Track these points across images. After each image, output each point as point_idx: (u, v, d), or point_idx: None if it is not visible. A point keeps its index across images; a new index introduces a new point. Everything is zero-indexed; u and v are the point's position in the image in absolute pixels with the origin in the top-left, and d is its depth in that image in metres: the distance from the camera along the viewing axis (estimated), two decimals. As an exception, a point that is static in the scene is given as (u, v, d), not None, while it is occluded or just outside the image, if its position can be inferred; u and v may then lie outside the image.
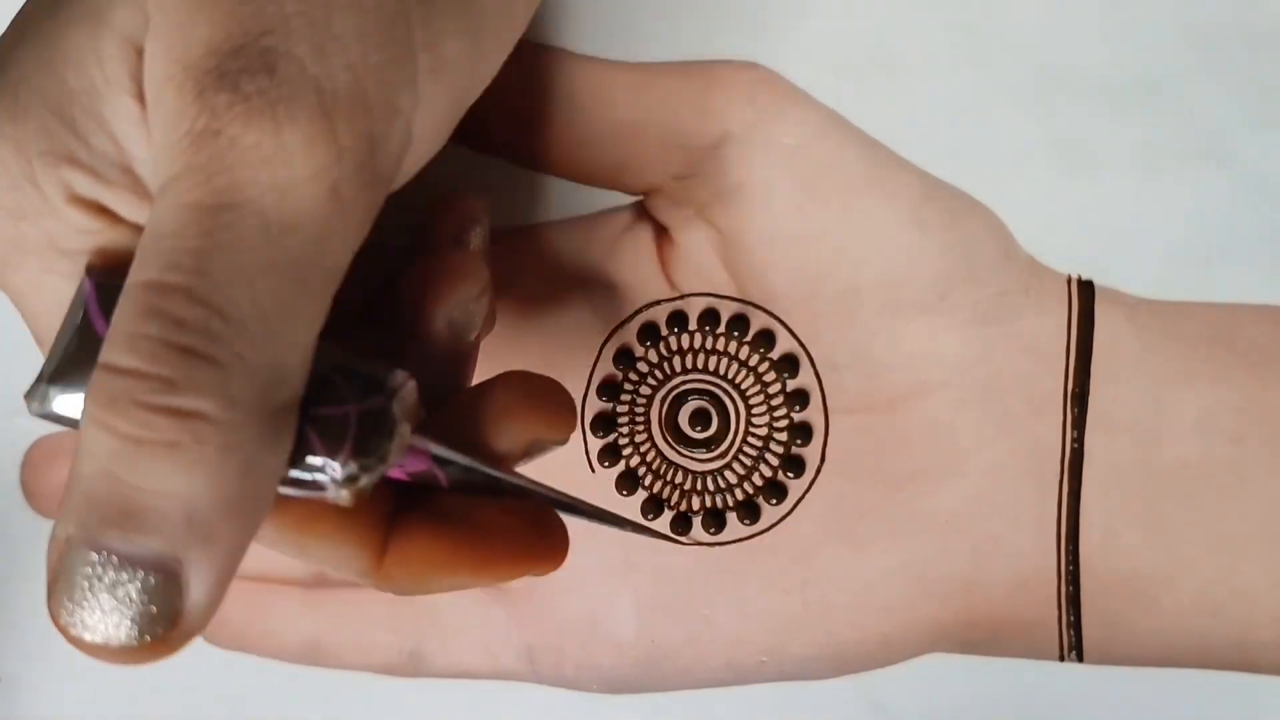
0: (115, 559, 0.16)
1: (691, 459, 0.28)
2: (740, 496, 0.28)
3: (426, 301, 0.21)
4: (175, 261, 0.16)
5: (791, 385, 0.28)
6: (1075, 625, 0.27)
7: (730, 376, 0.28)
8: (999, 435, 0.27)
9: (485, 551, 0.20)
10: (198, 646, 0.29)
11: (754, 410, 0.28)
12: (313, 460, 0.17)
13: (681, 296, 0.28)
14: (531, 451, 0.21)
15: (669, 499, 0.28)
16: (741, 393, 0.28)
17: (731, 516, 0.28)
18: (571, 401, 0.22)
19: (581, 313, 0.28)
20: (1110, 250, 0.27)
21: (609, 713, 0.29)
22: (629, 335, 0.28)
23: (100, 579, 0.16)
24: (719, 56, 0.26)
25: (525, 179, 0.28)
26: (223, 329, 0.16)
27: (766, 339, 0.27)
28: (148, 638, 0.16)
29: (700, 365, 0.28)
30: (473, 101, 0.20)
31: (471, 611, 0.29)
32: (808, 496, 0.28)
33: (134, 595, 0.16)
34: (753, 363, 0.28)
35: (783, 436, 0.28)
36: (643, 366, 0.28)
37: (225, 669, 0.29)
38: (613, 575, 0.28)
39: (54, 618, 0.16)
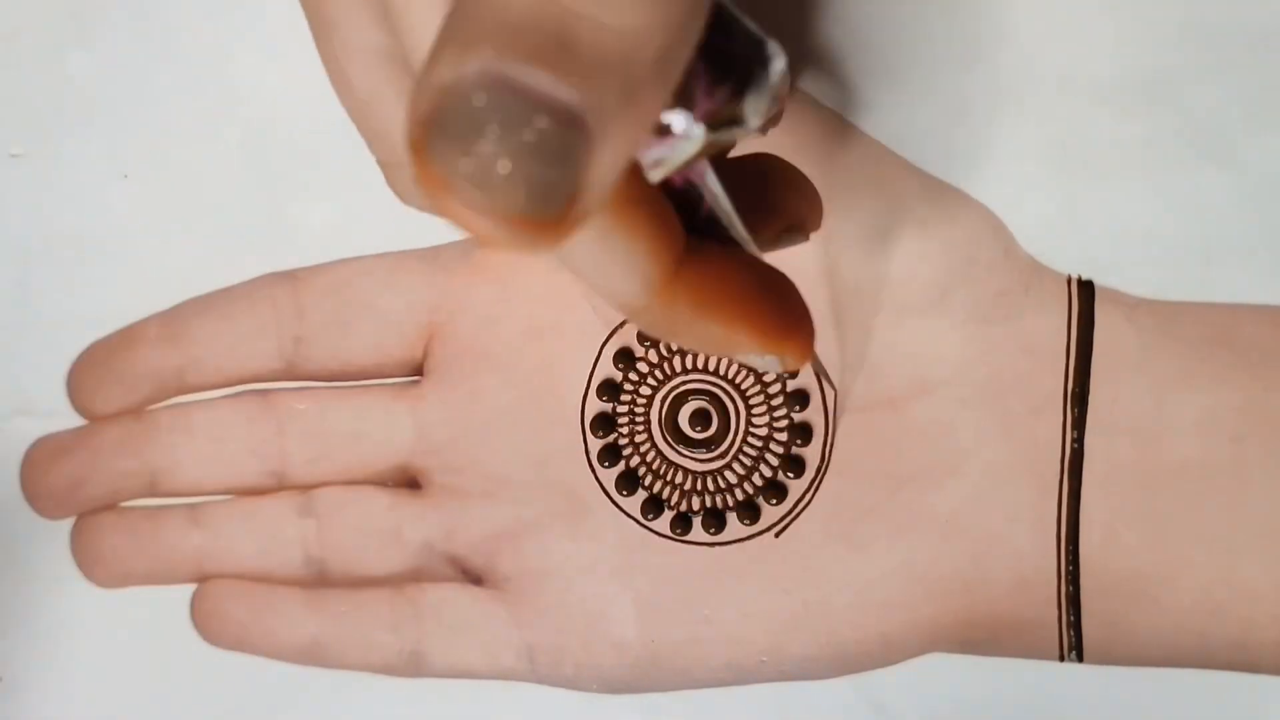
0: (534, 102, 0.13)
1: (691, 459, 0.28)
2: (740, 497, 0.28)
3: (766, 214, 0.20)
4: None
5: (791, 385, 0.28)
6: (1075, 625, 0.27)
7: (730, 376, 0.28)
8: (999, 435, 0.27)
9: (764, 307, 0.18)
10: (198, 647, 0.29)
11: (754, 410, 0.28)
12: (695, 88, 0.15)
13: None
14: (780, 239, 0.20)
15: (669, 499, 0.28)
16: (741, 393, 0.28)
17: (731, 516, 0.28)
18: (820, 202, 0.21)
19: (581, 313, 0.28)
20: (1110, 250, 0.27)
21: (609, 713, 0.29)
22: (629, 335, 0.28)
23: (509, 126, 0.13)
24: (719, 56, 0.26)
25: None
26: None
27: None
28: (546, 206, 0.13)
29: (700, 365, 0.28)
30: None
31: (471, 611, 0.29)
32: (808, 496, 0.28)
33: (545, 151, 0.13)
34: (753, 363, 0.28)
35: (783, 436, 0.28)
36: (643, 366, 0.28)
37: (225, 669, 0.29)
38: (613, 575, 0.28)
39: (424, 165, 0.13)
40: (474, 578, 0.29)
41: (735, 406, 0.28)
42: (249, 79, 0.29)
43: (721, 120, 0.16)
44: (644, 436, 0.28)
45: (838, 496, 0.28)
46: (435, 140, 0.13)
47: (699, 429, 0.28)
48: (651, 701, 0.28)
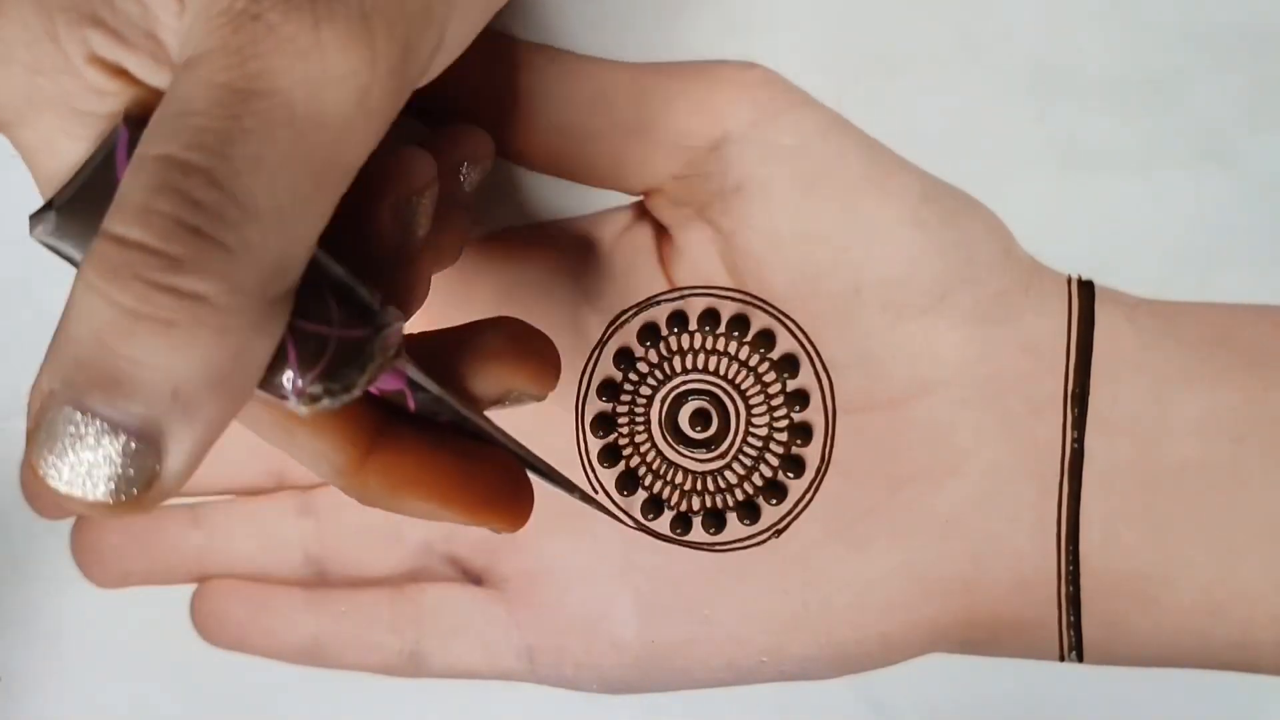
0: (97, 421, 0.16)
1: (691, 459, 0.28)
2: (740, 497, 0.28)
3: (372, 193, 0.20)
4: (198, 141, 0.16)
5: (791, 385, 0.28)
6: (1075, 625, 0.27)
7: (730, 376, 0.28)
8: (999, 435, 0.27)
9: (460, 484, 0.20)
10: (198, 647, 0.29)
11: (754, 410, 0.28)
12: (283, 371, 0.17)
13: (682, 296, 0.28)
14: (506, 400, 0.21)
15: (669, 499, 0.28)
16: (741, 393, 0.28)
17: (731, 516, 0.28)
18: (557, 358, 0.22)
19: (582, 313, 0.28)
20: (1110, 250, 0.27)
21: (609, 713, 0.29)
22: (629, 335, 0.28)
23: (81, 436, 0.16)
24: (719, 56, 0.26)
25: (525, 179, 0.28)
26: (237, 216, 0.16)
27: (766, 339, 0.27)
28: (122, 497, 0.16)
29: (700, 365, 0.28)
30: (499, 8, 0.20)
31: (471, 611, 0.29)
32: (808, 496, 0.28)
33: (114, 456, 0.16)
34: (753, 363, 0.28)
35: (783, 436, 0.28)
36: (643, 366, 0.28)
37: (225, 669, 0.29)
38: (613, 575, 0.28)
39: (33, 466, 0.16)
40: (474, 578, 0.29)
41: (735, 406, 0.28)
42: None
43: (334, 390, 0.18)
44: (644, 436, 0.28)
45: (838, 496, 0.28)
46: (37, 440, 0.16)
47: (699, 429, 0.28)
48: (651, 701, 0.28)
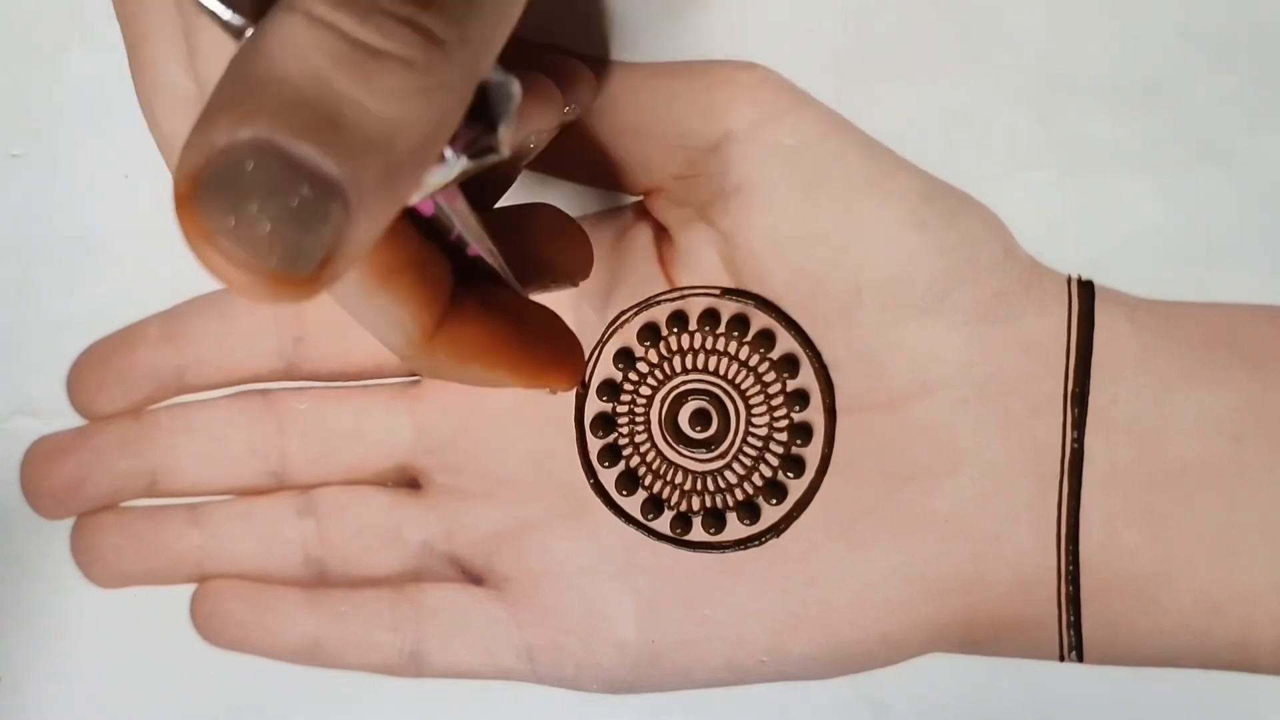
0: (300, 172, 0.14)
1: (691, 459, 0.28)
2: (740, 496, 0.28)
3: (534, 262, 0.21)
4: None
5: (791, 385, 0.28)
6: (1075, 625, 0.27)
7: (730, 376, 0.28)
8: (999, 435, 0.27)
9: (524, 350, 0.20)
10: (198, 647, 0.29)
11: (754, 410, 0.28)
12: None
13: (682, 296, 0.28)
14: (550, 284, 0.22)
15: (669, 499, 0.28)
16: (741, 393, 0.28)
17: (731, 516, 0.28)
18: (592, 249, 0.22)
19: (582, 313, 0.28)
20: (1110, 250, 0.27)
21: (609, 713, 0.29)
22: (629, 335, 0.28)
23: (274, 191, 0.14)
24: (719, 56, 0.26)
25: (525, 179, 0.28)
26: None
27: (766, 339, 0.27)
28: (299, 266, 0.14)
29: (700, 365, 0.28)
30: None
31: (471, 611, 0.29)
32: (809, 496, 0.28)
33: (305, 217, 0.14)
34: (753, 363, 0.28)
35: (783, 436, 0.28)
36: (643, 366, 0.28)
37: (225, 669, 0.29)
38: (613, 575, 0.28)
39: (192, 217, 0.14)
40: (474, 578, 0.29)
41: (735, 406, 0.28)
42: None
43: (478, 150, 0.17)
44: (644, 436, 0.28)
45: (838, 496, 0.28)
46: (203, 195, 0.14)
47: (699, 429, 0.28)
48: (651, 701, 0.28)
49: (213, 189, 0.14)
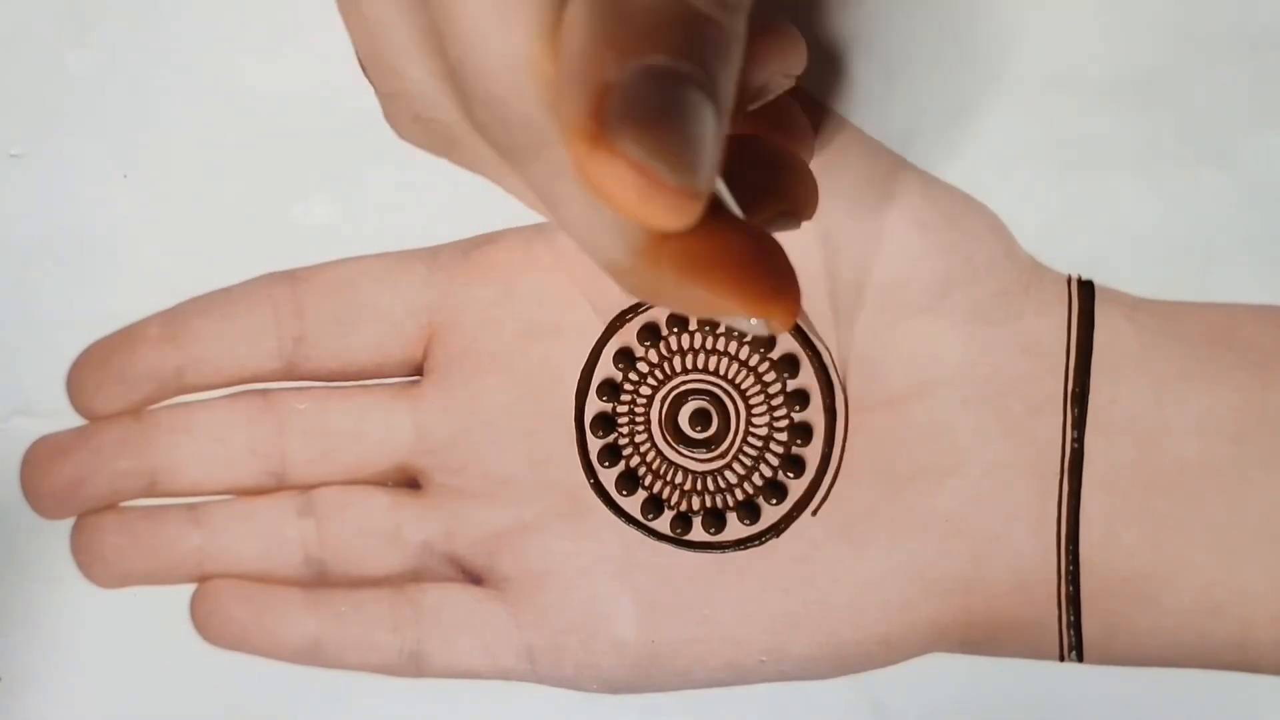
0: (686, 85, 0.15)
1: (691, 459, 0.28)
2: (740, 496, 0.28)
3: (757, 53, 0.20)
4: None
5: (791, 385, 0.28)
6: (1075, 625, 0.27)
7: (730, 376, 0.28)
8: (999, 435, 0.27)
9: (751, 270, 0.18)
10: (198, 647, 0.29)
11: (754, 410, 0.28)
12: None
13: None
14: (775, 220, 0.21)
15: (669, 499, 0.28)
16: (741, 393, 0.28)
17: (731, 516, 0.28)
18: (800, 36, 0.22)
19: (581, 313, 0.28)
20: (1110, 250, 0.27)
21: (609, 713, 0.29)
22: (629, 335, 0.28)
23: (670, 106, 0.15)
24: (719, 56, 0.26)
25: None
26: None
27: (766, 339, 0.27)
28: (702, 177, 0.15)
29: (700, 365, 0.28)
30: None
31: (472, 611, 0.29)
32: (816, 499, 0.28)
33: (698, 126, 0.15)
34: (753, 363, 0.28)
35: (783, 436, 0.28)
36: (643, 366, 0.28)
37: (225, 669, 0.29)
38: (613, 575, 0.28)
39: (607, 148, 0.15)
40: (474, 578, 0.29)
41: (735, 406, 0.28)
42: (249, 79, 0.29)
43: None
44: (644, 436, 0.28)
45: (838, 496, 0.28)
46: (616, 126, 0.14)
47: (699, 429, 0.28)
48: (651, 701, 0.28)
49: (623, 119, 0.14)
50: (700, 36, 0.15)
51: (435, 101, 0.19)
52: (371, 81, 0.20)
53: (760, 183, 0.21)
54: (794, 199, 0.21)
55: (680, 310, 0.19)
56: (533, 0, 0.16)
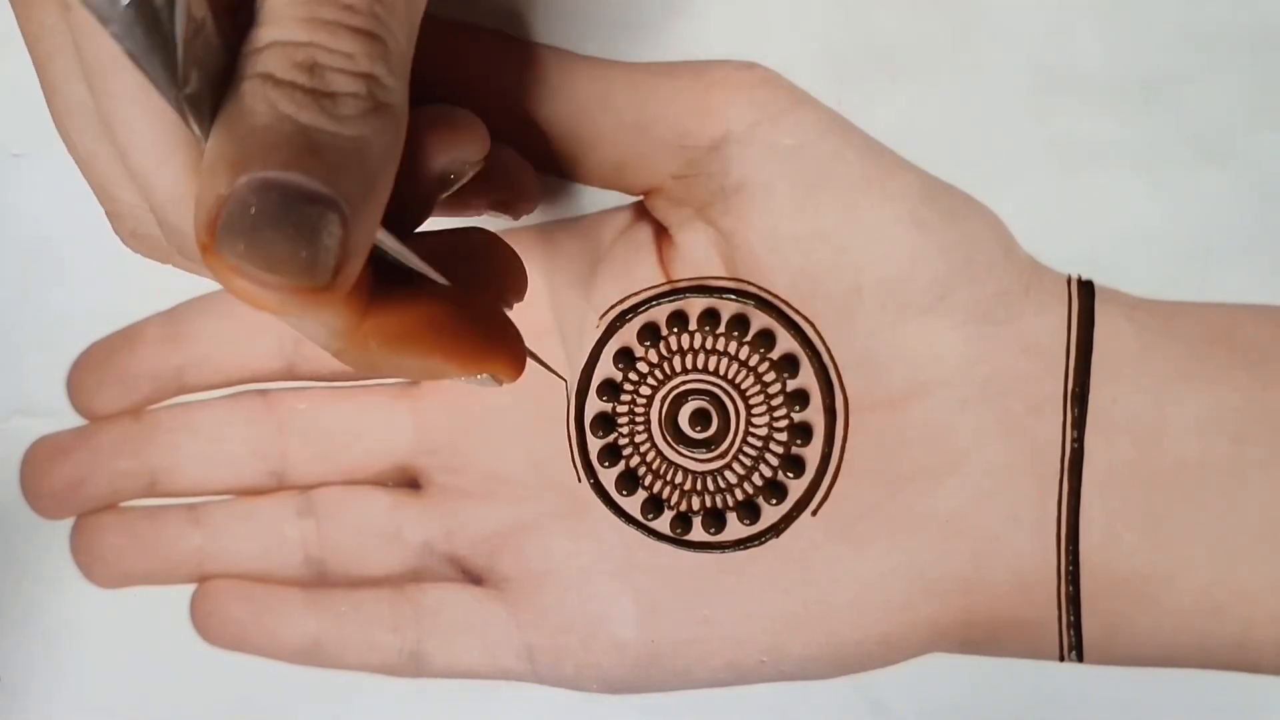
0: (293, 194, 0.16)
1: (691, 459, 0.28)
2: (740, 496, 0.28)
3: (430, 145, 0.21)
4: None
5: (791, 385, 0.28)
6: (1075, 625, 0.27)
7: (730, 376, 0.28)
8: (999, 435, 0.27)
9: (456, 333, 0.20)
10: (198, 647, 0.29)
11: (754, 410, 0.28)
12: None
13: (684, 295, 0.28)
14: (451, 174, 0.22)
15: (669, 499, 0.28)
16: (741, 393, 0.28)
17: (731, 516, 0.28)
18: (482, 125, 0.23)
19: (581, 313, 0.28)
20: (1110, 250, 0.27)
21: (609, 713, 0.29)
22: (629, 335, 0.28)
23: (277, 215, 0.16)
24: (719, 56, 0.26)
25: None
26: (384, 14, 0.18)
27: (766, 339, 0.27)
28: (318, 275, 0.17)
29: (700, 365, 0.28)
30: None
31: (471, 611, 0.29)
32: (816, 498, 0.28)
33: (309, 231, 0.16)
34: (753, 363, 0.28)
35: (783, 436, 0.28)
36: (643, 366, 0.28)
37: (225, 669, 0.29)
38: (613, 575, 0.28)
39: (218, 259, 0.16)
40: (474, 578, 0.29)
41: (735, 406, 0.28)
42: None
43: None
44: (644, 436, 0.28)
45: (838, 496, 0.28)
46: (222, 238, 0.16)
47: (699, 429, 0.28)
48: (651, 701, 0.28)
49: (229, 231, 0.16)
50: (313, 148, 0.17)
51: (148, 219, 0.21)
52: (99, 200, 0.21)
53: (470, 272, 0.22)
54: (501, 287, 0.23)
55: (404, 377, 0.21)
56: (181, 143, 0.18)
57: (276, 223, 0.16)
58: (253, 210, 0.16)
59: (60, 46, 0.19)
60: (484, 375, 0.21)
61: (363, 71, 0.17)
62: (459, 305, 0.21)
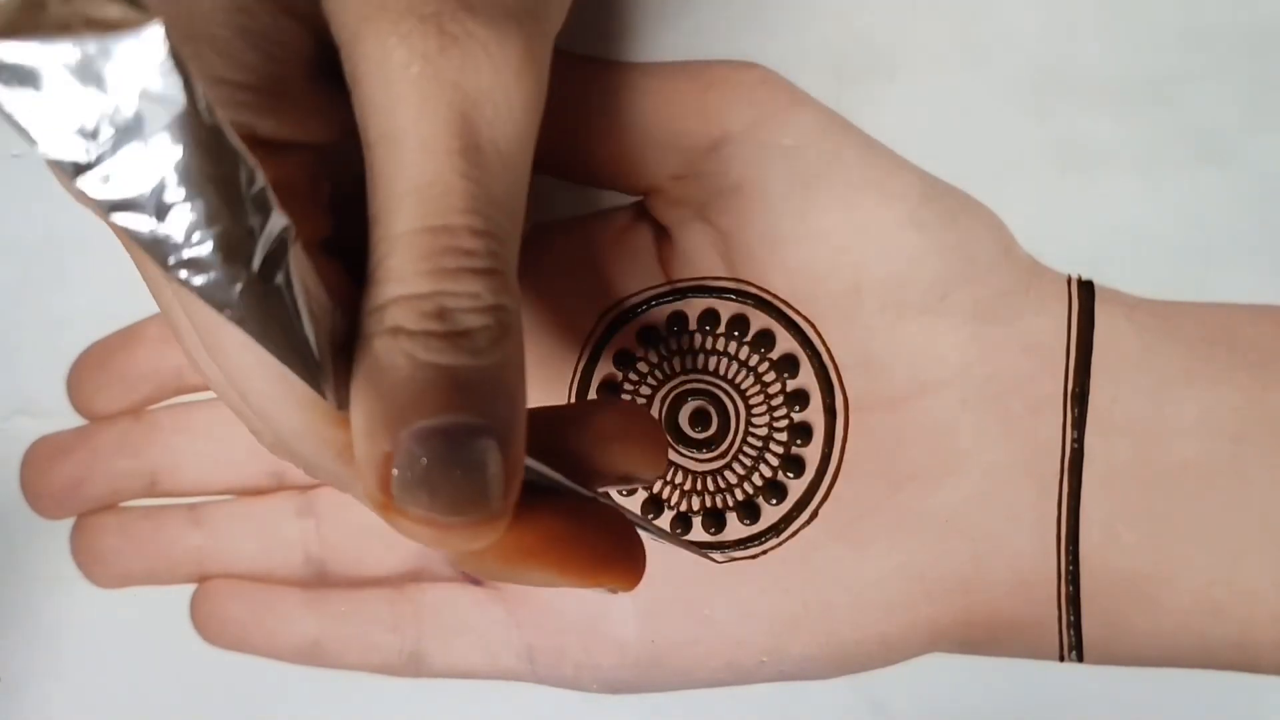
0: (456, 436, 0.17)
1: (691, 459, 0.28)
2: (740, 497, 0.28)
3: (615, 457, 0.21)
4: (449, 205, 0.17)
5: (791, 385, 0.28)
6: (1075, 625, 0.27)
7: (730, 377, 0.28)
8: (999, 435, 0.27)
9: (577, 550, 0.20)
10: (198, 647, 0.29)
11: (754, 410, 0.28)
12: None
13: (683, 295, 0.28)
14: (625, 480, 0.22)
15: (669, 499, 0.28)
16: (741, 393, 0.28)
17: (731, 517, 0.28)
18: (665, 441, 0.22)
19: (581, 313, 0.28)
20: (1110, 250, 0.27)
21: (609, 713, 0.29)
22: (629, 335, 0.28)
23: (446, 459, 0.17)
24: (719, 56, 0.26)
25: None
26: (498, 248, 0.18)
27: (766, 339, 0.27)
28: (494, 507, 0.17)
29: (700, 365, 0.28)
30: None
31: (471, 611, 0.29)
32: (816, 498, 0.28)
33: (478, 466, 0.17)
34: (753, 363, 0.28)
35: (783, 436, 0.28)
36: (643, 367, 0.28)
37: (225, 669, 0.29)
38: (613, 575, 0.28)
39: (401, 514, 0.17)
40: (474, 578, 0.29)
41: (735, 406, 0.28)
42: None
43: None
44: (644, 436, 0.28)
45: (838, 496, 0.28)
46: (401, 495, 0.17)
47: (699, 429, 0.28)
48: (651, 701, 0.28)
49: (406, 487, 0.17)
50: (460, 387, 0.17)
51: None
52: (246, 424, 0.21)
53: (598, 451, 0.21)
54: (636, 466, 0.22)
55: (514, 583, 0.21)
56: (291, 388, 0.18)
57: (447, 467, 0.17)
58: (423, 461, 0.17)
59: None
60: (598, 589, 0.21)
61: (490, 305, 0.18)
62: (586, 514, 0.20)
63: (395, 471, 0.17)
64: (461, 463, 0.17)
